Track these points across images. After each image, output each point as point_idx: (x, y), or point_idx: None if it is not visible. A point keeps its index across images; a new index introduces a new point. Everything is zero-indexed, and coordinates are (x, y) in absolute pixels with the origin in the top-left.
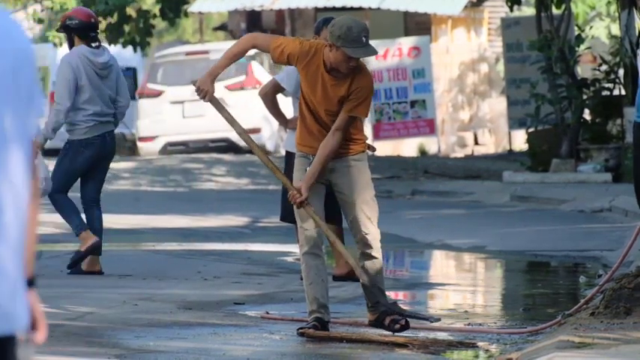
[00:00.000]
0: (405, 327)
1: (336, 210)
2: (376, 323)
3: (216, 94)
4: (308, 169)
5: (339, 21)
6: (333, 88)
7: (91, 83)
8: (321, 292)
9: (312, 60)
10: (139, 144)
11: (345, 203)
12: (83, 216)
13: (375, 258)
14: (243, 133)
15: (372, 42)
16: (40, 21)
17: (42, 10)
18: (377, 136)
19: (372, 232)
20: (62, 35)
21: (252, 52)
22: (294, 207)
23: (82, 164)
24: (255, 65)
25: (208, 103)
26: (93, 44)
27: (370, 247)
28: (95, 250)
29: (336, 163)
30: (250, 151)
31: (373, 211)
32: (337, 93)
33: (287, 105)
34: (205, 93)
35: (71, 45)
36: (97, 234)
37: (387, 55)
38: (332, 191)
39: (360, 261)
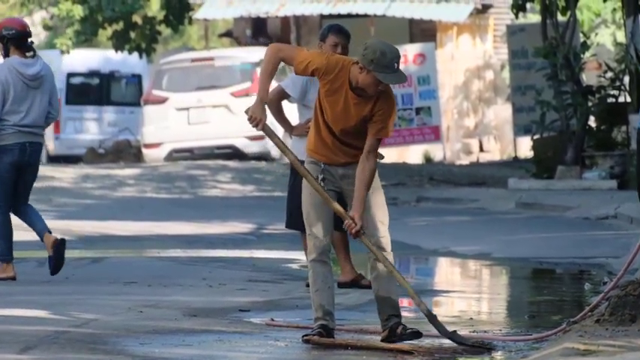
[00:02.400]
0: (418, 335)
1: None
2: (388, 339)
3: (221, 101)
4: (354, 199)
5: (372, 45)
6: (356, 106)
7: (18, 96)
8: (327, 299)
9: (337, 76)
10: (144, 150)
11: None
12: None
13: (390, 263)
14: (296, 160)
15: None
16: (49, 28)
17: (51, 18)
18: (382, 142)
19: (386, 235)
20: (70, 42)
21: (257, 59)
22: (313, 217)
23: (5, 170)
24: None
25: (213, 110)
26: (28, 54)
27: (384, 250)
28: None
29: (348, 169)
30: (255, 158)
31: (385, 216)
32: (360, 112)
33: (292, 112)
34: (258, 121)
35: (6, 54)
36: (39, 224)
37: None
38: (341, 198)
39: (372, 268)
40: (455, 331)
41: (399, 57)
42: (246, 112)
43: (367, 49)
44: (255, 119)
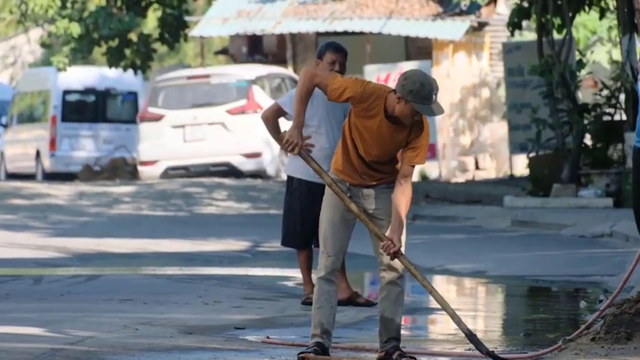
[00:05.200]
0: None
1: None
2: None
3: (217, 118)
4: (393, 221)
5: (412, 75)
6: (392, 134)
7: None
8: (327, 318)
9: (372, 104)
10: (140, 168)
11: (382, 228)
12: None
13: (400, 286)
14: (333, 184)
15: (373, 66)
16: (46, 46)
17: (48, 35)
18: None
19: (401, 258)
20: (66, 60)
21: (252, 76)
22: (329, 235)
23: None
24: (256, 89)
25: (209, 127)
26: None
27: (398, 273)
28: None
29: (371, 190)
30: (251, 176)
31: (404, 237)
32: (395, 138)
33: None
34: (295, 145)
35: None
36: None
37: (389, 80)
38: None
39: (381, 289)
40: (493, 351)
41: (437, 89)
42: (282, 136)
43: (407, 80)
44: (292, 143)
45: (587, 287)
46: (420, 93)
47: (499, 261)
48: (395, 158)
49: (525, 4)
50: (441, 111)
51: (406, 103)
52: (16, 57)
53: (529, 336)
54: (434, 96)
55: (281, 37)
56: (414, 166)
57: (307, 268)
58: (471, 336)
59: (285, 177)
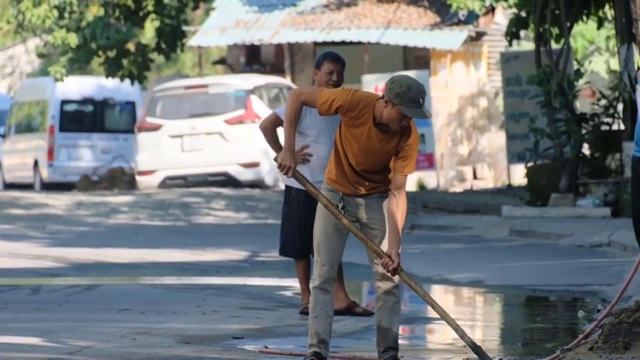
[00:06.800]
0: None
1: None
2: None
3: (215, 129)
4: (390, 236)
5: (399, 79)
6: (381, 142)
7: None
8: (323, 327)
9: (361, 112)
10: (138, 178)
11: (375, 238)
12: None
13: (396, 295)
14: (329, 204)
15: (371, 76)
16: (43, 56)
17: (44, 45)
18: None
19: (401, 274)
20: (64, 70)
21: (250, 86)
22: (322, 244)
23: None
24: (254, 99)
25: (207, 137)
26: None
27: (394, 282)
28: None
29: (365, 199)
30: (249, 186)
31: (399, 247)
32: (385, 147)
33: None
34: (289, 168)
35: None
36: None
37: None
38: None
39: (377, 298)
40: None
41: (424, 93)
42: (275, 159)
43: (394, 83)
44: (285, 166)
45: (585, 297)
46: (407, 96)
47: (497, 270)
48: (387, 168)
49: (523, 14)
50: (429, 114)
51: (393, 106)
52: (14, 67)
53: (527, 345)
54: (421, 99)
55: (279, 47)
56: (406, 176)
57: (305, 278)
58: (475, 348)
59: (283, 187)
